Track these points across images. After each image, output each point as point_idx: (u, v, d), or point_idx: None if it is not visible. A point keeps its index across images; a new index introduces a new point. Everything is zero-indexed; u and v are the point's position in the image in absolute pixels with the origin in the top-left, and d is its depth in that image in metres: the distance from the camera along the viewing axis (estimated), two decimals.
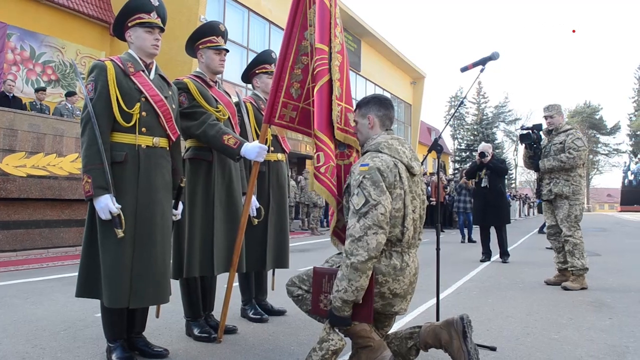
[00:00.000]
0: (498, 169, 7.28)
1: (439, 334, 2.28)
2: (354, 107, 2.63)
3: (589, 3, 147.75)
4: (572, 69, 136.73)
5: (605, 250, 8.95)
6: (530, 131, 5.26)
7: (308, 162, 18.00)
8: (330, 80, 2.55)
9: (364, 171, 2.24)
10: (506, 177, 8.77)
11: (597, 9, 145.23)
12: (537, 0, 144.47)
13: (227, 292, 2.93)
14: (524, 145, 5.33)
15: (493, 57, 3.06)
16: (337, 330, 2.26)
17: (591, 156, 53.41)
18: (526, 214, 31.36)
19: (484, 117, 51.91)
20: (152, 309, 2.73)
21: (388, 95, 26.89)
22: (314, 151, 2.49)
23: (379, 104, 2.52)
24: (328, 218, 12.71)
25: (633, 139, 54.28)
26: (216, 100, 3.04)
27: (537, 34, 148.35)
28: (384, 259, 2.26)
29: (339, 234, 2.61)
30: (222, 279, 3.14)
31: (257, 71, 3.61)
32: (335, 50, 2.61)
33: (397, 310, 2.34)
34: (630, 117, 55.20)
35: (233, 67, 14.02)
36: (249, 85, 3.74)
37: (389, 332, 2.51)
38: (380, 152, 2.35)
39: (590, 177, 56.64)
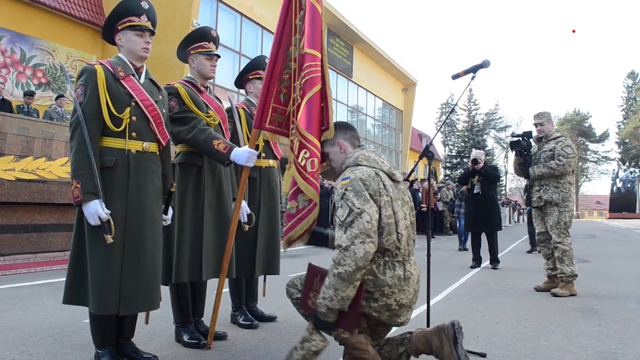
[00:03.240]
0: (490, 175, 7.31)
1: (430, 340, 2.28)
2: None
3: (578, 11, 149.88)
4: (561, 77, 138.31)
5: (594, 256, 9.02)
6: (520, 138, 5.30)
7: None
8: (322, 89, 2.55)
9: (345, 184, 2.24)
10: (498, 183, 8.80)
11: (587, 17, 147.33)
12: (529, 8, 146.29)
13: (217, 297, 2.91)
14: (514, 152, 5.37)
15: (484, 65, 3.10)
16: (320, 331, 2.24)
17: (580, 163, 53.89)
18: (516, 220, 31.52)
19: (475, 124, 52.31)
20: (141, 315, 2.70)
21: (380, 101, 27.03)
22: (307, 155, 2.47)
23: (343, 128, 2.55)
24: None
25: (621, 147, 54.91)
26: (207, 106, 3.03)
27: (526, 42, 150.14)
28: (389, 271, 2.23)
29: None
30: (212, 285, 3.12)
31: (250, 77, 3.60)
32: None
33: (402, 321, 2.31)
34: (619, 125, 55.87)
35: (225, 72, 14.01)
36: (242, 91, 3.74)
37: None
38: (360, 164, 2.36)
39: (579, 184, 57.11)
